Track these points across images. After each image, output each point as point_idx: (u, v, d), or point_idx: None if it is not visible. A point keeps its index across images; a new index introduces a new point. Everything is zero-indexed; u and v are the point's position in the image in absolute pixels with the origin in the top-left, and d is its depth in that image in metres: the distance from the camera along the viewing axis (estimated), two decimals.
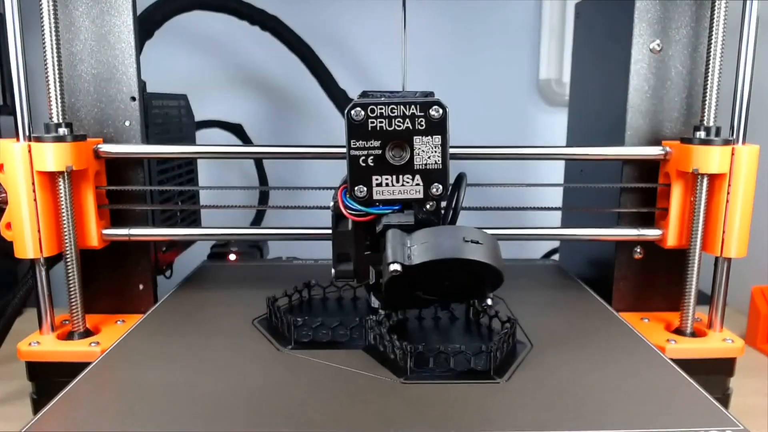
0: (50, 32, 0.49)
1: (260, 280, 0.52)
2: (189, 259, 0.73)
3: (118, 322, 0.57)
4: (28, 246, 0.50)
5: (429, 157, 0.41)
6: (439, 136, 0.41)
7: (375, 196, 0.42)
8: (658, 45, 0.56)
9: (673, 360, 0.46)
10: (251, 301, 0.55)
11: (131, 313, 0.58)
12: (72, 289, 0.52)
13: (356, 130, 0.41)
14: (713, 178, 0.52)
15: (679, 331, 0.55)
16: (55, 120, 0.50)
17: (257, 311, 0.53)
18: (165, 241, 0.66)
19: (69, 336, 0.53)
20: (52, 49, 0.49)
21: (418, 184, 0.42)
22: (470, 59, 0.99)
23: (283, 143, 0.58)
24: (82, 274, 0.53)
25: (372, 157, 0.41)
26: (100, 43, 0.55)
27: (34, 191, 0.49)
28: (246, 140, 0.93)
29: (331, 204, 0.44)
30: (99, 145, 0.54)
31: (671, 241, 0.55)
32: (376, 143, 0.41)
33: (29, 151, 0.49)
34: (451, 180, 0.45)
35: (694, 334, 0.54)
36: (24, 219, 0.49)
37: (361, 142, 0.41)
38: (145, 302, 0.59)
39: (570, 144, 0.74)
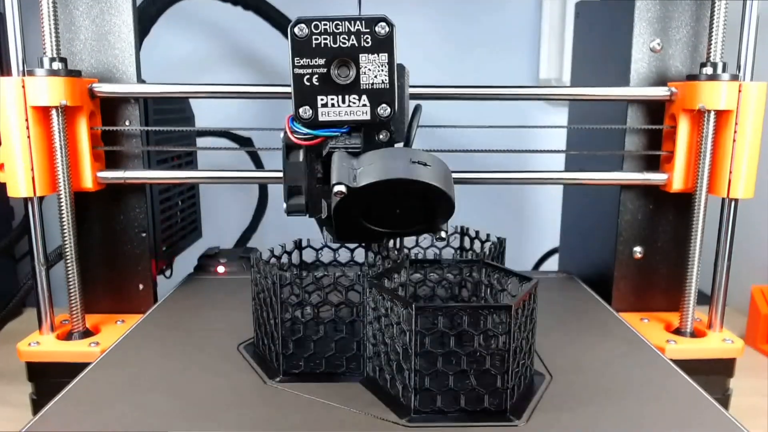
0: None
1: (248, 297, 0.47)
2: (190, 259, 0.73)
3: (118, 322, 0.57)
4: (20, 184, 0.49)
5: (376, 76, 0.39)
6: (386, 54, 0.39)
7: (321, 118, 0.40)
8: (659, 44, 0.56)
9: (672, 361, 0.46)
10: (237, 322, 0.51)
11: (131, 313, 0.58)
12: (72, 288, 0.52)
13: (300, 47, 0.39)
14: (720, 115, 0.51)
15: (678, 332, 0.55)
16: (48, 54, 0.50)
17: (243, 334, 0.49)
18: (166, 241, 0.66)
19: (69, 336, 0.53)
20: None
21: (365, 105, 0.40)
22: (470, 59, 0.99)
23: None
24: (81, 272, 0.53)
25: (317, 76, 0.39)
26: (100, 42, 0.55)
27: (27, 128, 0.49)
28: (254, 156, 0.93)
29: (281, 134, 0.42)
30: (94, 84, 0.53)
31: (677, 184, 0.55)
32: (321, 61, 0.39)
33: (23, 86, 0.48)
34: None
35: (694, 334, 0.54)
36: (17, 155, 0.49)
37: (305, 60, 0.39)
38: (145, 302, 0.59)
39: (569, 159, 0.74)
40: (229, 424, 0.37)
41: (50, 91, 0.48)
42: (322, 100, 0.40)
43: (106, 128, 0.55)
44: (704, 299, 0.55)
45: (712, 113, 0.51)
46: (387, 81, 0.40)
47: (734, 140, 0.51)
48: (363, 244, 0.47)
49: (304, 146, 0.42)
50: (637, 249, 0.59)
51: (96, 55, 0.55)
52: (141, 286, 0.59)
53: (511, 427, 0.37)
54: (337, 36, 0.39)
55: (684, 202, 0.57)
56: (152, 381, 0.43)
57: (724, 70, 0.51)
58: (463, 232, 0.53)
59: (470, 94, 0.56)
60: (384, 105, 0.40)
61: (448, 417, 0.37)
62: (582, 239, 0.72)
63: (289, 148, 0.42)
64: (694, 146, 0.53)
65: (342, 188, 0.37)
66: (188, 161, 0.74)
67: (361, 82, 0.40)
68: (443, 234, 0.42)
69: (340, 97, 0.40)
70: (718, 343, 0.53)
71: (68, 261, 0.52)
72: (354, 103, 0.40)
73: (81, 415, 0.38)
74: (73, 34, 0.55)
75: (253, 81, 0.97)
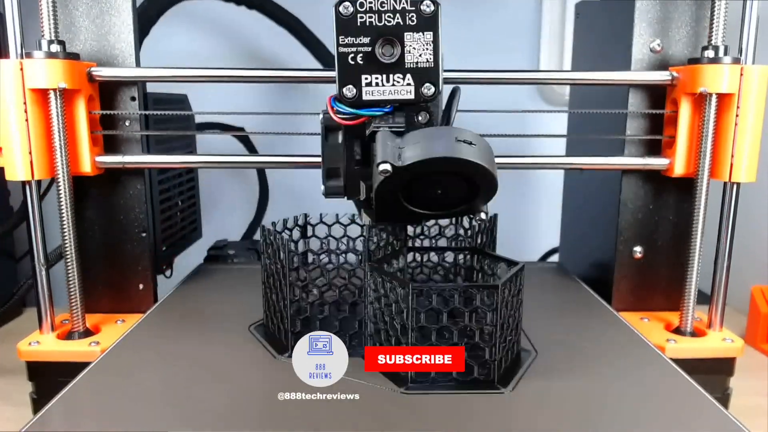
0: None
1: (256, 284, 0.51)
2: (189, 259, 0.73)
3: (118, 322, 0.56)
4: (18, 167, 0.49)
5: (420, 55, 0.39)
6: (431, 33, 0.39)
7: (365, 97, 0.40)
8: (659, 45, 0.56)
9: (673, 360, 0.46)
10: (247, 307, 0.54)
11: (131, 312, 0.58)
12: (72, 287, 0.52)
13: (345, 25, 0.39)
14: (722, 99, 0.51)
15: (678, 331, 0.55)
16: (47, 37, 0.49)
17: (253, 317, 0.52)
18: (166, 241, 0.66)
19: (69, 336, 0.53)
20: None
21: (409, 84, 0.39)
22: (470, 59, 0.99)
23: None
24: (81, 271, 0.53)
25: (361, 55, 0.39)
26: (100, 42, 0.55)
27: (25, 111, 0.49)
28: (251, 148, 0.93)
29: (321, 116, 0.42)
30: (93, 68, 0.53)
31: (679, 169, 0.54)
32: (365, 39, 0.39)
33: (21, 69, 0.48)
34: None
35: (694, 333, 0.54)
36: (14, 138, 0.48)
37: (349, 38, 0.39)
38: (145, 302, 0.59)
39: (570, 152, 0.74)
40: (242, 391, 0.40)
41: (48, 73, 0.48)
42: (366, 78, 0.39)
43: (105, 112, 0.55)
44: (704, 299, 0.55)
45: (714, 96, 0.51)
46: (432, 60, 0.39)
47: (736, 124, 0.50)
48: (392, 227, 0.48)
49: (343, 128, 0.41)
50: (637, 249, 0.59)
51: (96, 55, 0.55)
52: (141, 286, 0.59)
53: (497, 394, 0.40)
54: (382, 14, 0.39)
55: (684, 201, 0.58)
56: (152, 381, 0.43)
57: (725, 54, 0.51)
58: (458, 220, 0.54)
59: (473, 79, 0.56)
60: (428, 84, 0.40)
61: (442, 386, 0.41)
62: (582, 239, 0.72)
63: (329, 129, 0.42)
64: (696, 130, 0.53)
65: (387, 167, 0.37)
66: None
67: (406, 60, 0.39)
68: (483, 215, 0.41)
69: (384, 76, 0.39)
70: (718, 343, 0.53)
71: (68, 260, 0.52)
72: (398, 82, 0.40)
73: (81, 414, 0.38)
74: (72, 34, 0.54)
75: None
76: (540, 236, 1.00)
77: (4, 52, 0.49)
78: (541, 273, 0.67)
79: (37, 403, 0.51)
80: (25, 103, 0.48)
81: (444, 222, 0.54)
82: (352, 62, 0.39)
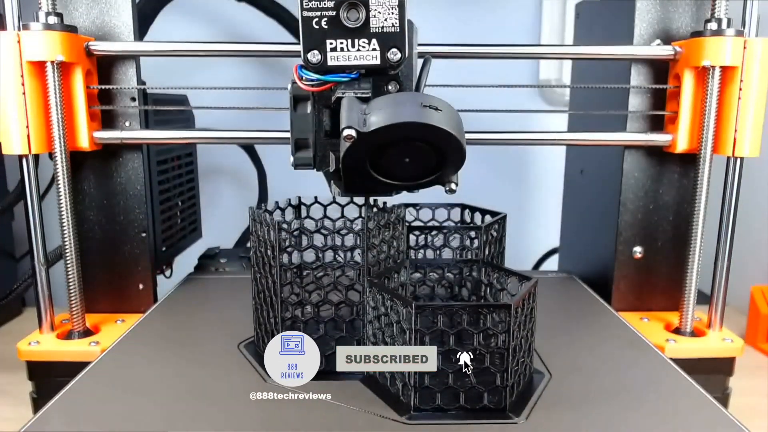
0: None
1: (247, 296, 0.48)
2: (189, 259, 0.73)
3: (118, 322, 0.56)
4: (14, 140, 0.48)
5: (386, 20, 0.38)
6: None
7: (330, 62, 0.38)
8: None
9: (672, 360, 0.46)
10: (237, 320, 0.51)
11: (131, 312, 0.58)
12: (72, 287, 0.52)
13: None
14: (725, 72, 0.51)
15: (678, 331, 0.55)
16: (44, 8, 0.49)
17: (243, 332, 0.49)
18: (166, 241, 0.66)
19: (69, 335, 0.53)
20: None
21: (374, 49, 0.38)
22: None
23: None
24: (81, 271, 0.53)
25: (326, 19, 0.38)
26: (99, 21, 0.55)
27: (23, 84, 0.48)
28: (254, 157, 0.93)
29: (289, 85, 0.41)
30: (90, 42, 0.53)
31: (681, 144, 0.54)
32: (330, 3, 0.38)
33: (18, 41, 0.48)
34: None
35: (694, 333, 0.54)
36: (11, 111, 0.48)
37: (313, 2, 0.38)
38: (145, 302, 0.59)
39: (573, 119, 0.73)
40: (230, 423, 0.37)
41: (46, 45, 0.48)
42: (331, 43, 0.38)
43: (102, 87, 0.54)
44: (704, 299, 0.55)
45: (717, 69, 0.50)
46: (397, 24, 0.38)
47: (739, 98, 0.50)
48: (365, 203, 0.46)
49: (312, 98, 0.41)
50: (637, 249, 0.59)
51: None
52: (141, 286, 0.59)
53: (510, 424, 0.37)
54: None
55: (684, 200, 0.58)
56: (152, 380, 0.43)
57: (728, 26, 0.50)
58: (463, 207, 0.53)
59: (473, 53, 0.55)
60: (394, 50, 0.39)
61: (448, 414, 0.38)
62: (582, 239, 0.72)
63: (297, 99, 0.41)
64: (699, 105, 0.52)
65: (352, 132, 0.37)
66: (188, 161, 0.74)
67: (371, 25, 0.38)
68: (453, 186, 0.41)
69: (349, 40, 0.38)
70: (717, 343, 0.53)
71: (68, 259, 0.52)
72: (363, 47, 0.39)
73: (81, 414, 0.38)
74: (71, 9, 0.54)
75: (251, 71, 0.97)
76: (540, 236, 1.00)
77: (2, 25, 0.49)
78: (552, 284, 0.65)
79: (37, 403, 0.51)
80: (22, 75, 0.48)
81: (448, 231, 0.52)
82: (317, 27, 0.38)
